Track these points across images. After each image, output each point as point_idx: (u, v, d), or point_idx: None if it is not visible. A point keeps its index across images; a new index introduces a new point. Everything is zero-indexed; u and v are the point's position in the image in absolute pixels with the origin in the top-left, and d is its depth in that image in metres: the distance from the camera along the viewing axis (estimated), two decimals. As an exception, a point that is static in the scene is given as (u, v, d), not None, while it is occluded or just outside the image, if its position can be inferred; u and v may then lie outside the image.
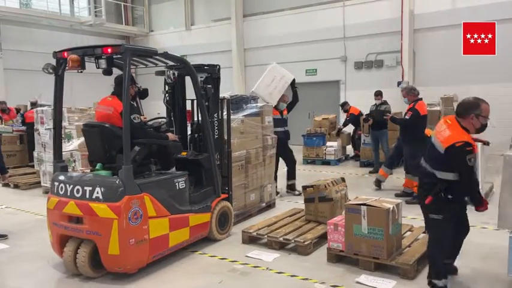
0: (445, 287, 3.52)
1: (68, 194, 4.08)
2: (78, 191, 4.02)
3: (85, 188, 4.00)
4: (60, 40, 16.08)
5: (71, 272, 4.18)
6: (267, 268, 4.28)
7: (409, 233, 4.86)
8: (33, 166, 9.24)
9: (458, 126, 3.41)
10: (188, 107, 5.78)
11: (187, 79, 5.44)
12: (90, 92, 15.06)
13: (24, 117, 10.99)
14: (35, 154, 8.61)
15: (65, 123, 7.39)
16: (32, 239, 5.43)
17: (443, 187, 3.38)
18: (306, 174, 9.28)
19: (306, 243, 4.60)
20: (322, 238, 4.78)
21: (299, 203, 6.28)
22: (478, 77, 11.86)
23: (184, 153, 5.14)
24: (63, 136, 6.58)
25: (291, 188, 7.61)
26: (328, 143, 11.02)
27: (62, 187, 4.15)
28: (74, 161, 7.52)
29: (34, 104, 11.09)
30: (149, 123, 5.06)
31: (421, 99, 6.85)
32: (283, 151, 7.36)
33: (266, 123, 6.57)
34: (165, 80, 5.56)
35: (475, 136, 3.65)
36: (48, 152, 7.90)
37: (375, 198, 4.32)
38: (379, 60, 13.69)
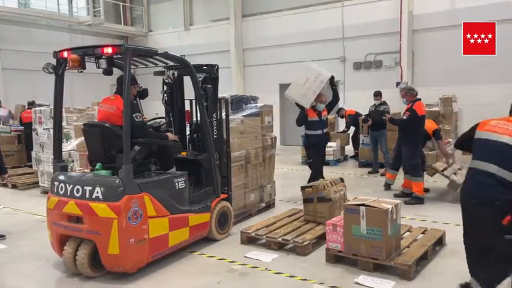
0: None
1: (68, 193, 4.08)
2: (78, 190, 4.02)
3: (85, 187, 4.00)
4: (58, 40, 16.02)
5: (70, 272, 4.18)
6: (266, 269, 4.29)
7: (408, 233, 4.86)
8: (31, 166, 9.24)
9: None
10: (186, 107, 5.78)
11: (186, 79, 5.45)
12: (89, 92, 15.09)
13: (21, 117, 10.99)
14: (33, 154, 8.60)
15: (63, 123, 7.37)
16: (30, 239, 5.43)
17: None
18: (304, 175, 9.28)
19: (304, 243, 4.61)
20: (321, 238, 4.78)
21: (298, 203, 6.29)
22: (477, 78, 11.88)
23: (184, 153, 5.15)
24: (61, 136, 6.56)
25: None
26: (328, 143, 11.01)
27: (61, 187, 4.15)
28: (73, 161, 7.52)
29: (31, 104, 11.07)
30: (149, 123, 5.06)
31: (419, 99, 6.86)
32: (313, 155, 6.96)
33: (266, 123, 6.59)
34: (163, 80, 5.55)
35: None
36: (46, 152, 7.89)
37: (373, 198, 4.33)
38: (378, 61, 13.70)
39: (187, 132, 5.73)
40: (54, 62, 4.50)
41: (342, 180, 5.70)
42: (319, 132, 6.85)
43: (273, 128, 6.89)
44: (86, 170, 6.11)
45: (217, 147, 5.30)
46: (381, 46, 13.52)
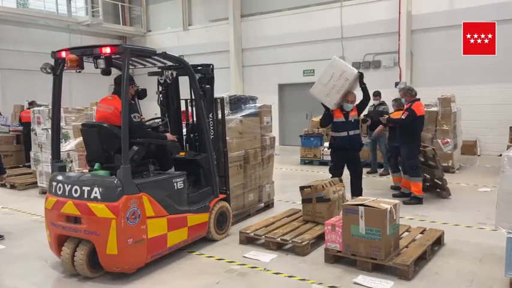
0: None
1: (66, 194, 4.07)
2: (76, 191, 4.01)
3: (83, 188, 3.99)
4: (57, 40, 16.03)
5: (69, 272, 4.17)
6: (265, 269, 4.28)
7: (406, 233, 4.86)
8: (29, 166, 9.22)
9: None
10: (182, 107, 5.76)
11: (181, 79, 5.42)
12: (88, 92, 15.06)
13: (21, 116, 10.97)
14: (32, 154, 8.59)
15: (61, 123, 7.37)
16: (28, 240, 5.42)
17: None
18: (303, 175, 9.30)
19: (303, 243, 4.61)
20: (320, 239, 4.78)
21: (297, 203, 6.29)
22: (476, 78, 11.89)
23: (182, 154, 5.14)
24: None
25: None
26: (326, 144, 11.03)
27: (60, 187, 4.14)
28: (71, 161, 7.51)
29: (32, 104, 11.06)
30: (147, 123, 5.05)
31: (418, 99, 6.86)
32: (334, 159, 6.56)
33: (265, 123, 6.58)
34: (158, 80, 5.51)
35: None
36: (45, 152, 7.88)
37: (372, 198, 4.33)
38: (377, 61, 13.71)
39: (184, 133, 5.72)
40: (52, 62, 4.49)
41: (340, 180, 5.71)
42: (343, 134, 6.33)
43: (271, 128, 6.87)
44: (84, 170, 6.10)
45: (214, 147, 5.29)
46: (380, 46, 13.53)
